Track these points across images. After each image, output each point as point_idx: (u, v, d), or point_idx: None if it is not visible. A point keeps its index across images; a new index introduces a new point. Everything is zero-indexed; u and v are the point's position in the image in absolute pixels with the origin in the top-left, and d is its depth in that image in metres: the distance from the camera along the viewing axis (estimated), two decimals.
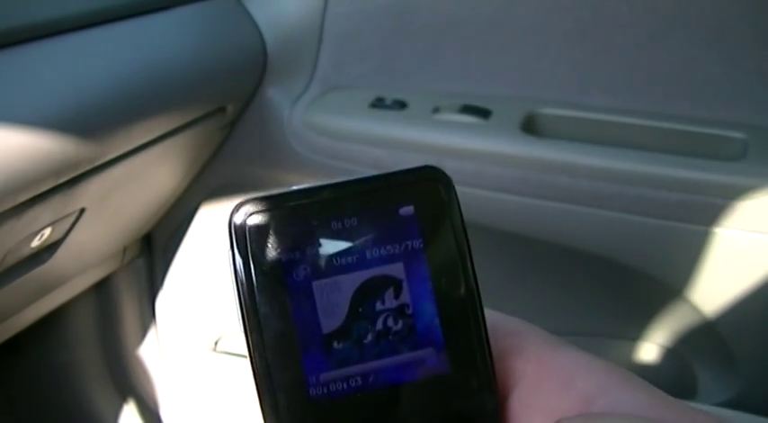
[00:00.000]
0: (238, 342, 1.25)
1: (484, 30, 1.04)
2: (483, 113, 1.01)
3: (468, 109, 1.02)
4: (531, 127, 1.00)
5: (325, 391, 0.26)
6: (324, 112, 1.06)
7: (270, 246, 0.26)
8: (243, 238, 0.26)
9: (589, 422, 0.24)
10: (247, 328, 0.26)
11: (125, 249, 1.18)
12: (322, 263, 0.26)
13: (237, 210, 0.26)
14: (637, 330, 1.05)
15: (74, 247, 0.92)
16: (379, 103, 1.05)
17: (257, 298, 0.26)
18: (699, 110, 0.98)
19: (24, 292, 0.92)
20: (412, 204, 0.27)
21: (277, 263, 0.26)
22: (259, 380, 0.26)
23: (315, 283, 0.26)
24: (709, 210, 0.91)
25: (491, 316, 0.28)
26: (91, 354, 1.27)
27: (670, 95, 0.99)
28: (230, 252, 0.26)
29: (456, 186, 0.27)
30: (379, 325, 0.26)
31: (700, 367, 1.02)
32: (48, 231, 0.83)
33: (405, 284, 0.27)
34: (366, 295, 0.26)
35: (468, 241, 0.27)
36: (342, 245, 0.26)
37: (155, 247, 1.25)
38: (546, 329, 0.28)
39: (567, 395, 0.25)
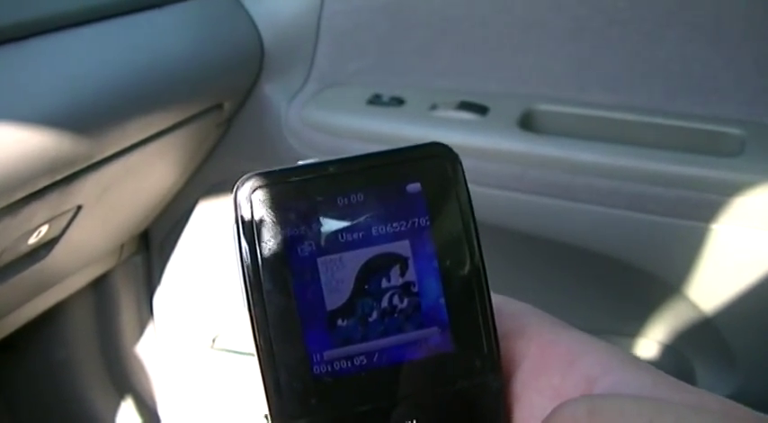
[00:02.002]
0: (236, 339, 1.25)
1: (481, 26, 1.04)
2: (480, 110, 1.01)
3: (465, 106, 1.01)
4: (528, 123, 1.00)
5: (329, 368, 0.26)
6: (321, 108, 1.06)
7: (274, 221, 0.26)
8: (248, 213, 0.26)
9: (594, 402, 0.23)
10: (251, 303, 0.26)
11: (122, 247, 1.18)
12: (327, 239, 0.26)
13: (243, 184, 0.26)
14: (635, 327, 1.05)
15: (71, 245, 0.92)
16: (376, 100, 1.05)
17: (261, 273, 0.25)
18: (697, 106, 0.98)
19: (21, 289, 0.92)
20: (419, 181, 0.27)
21: (282, 238, 0.26)
22: (262, 356, 0.26)
23: (320, 260, 0.26)
24: (707, 206, 0.91)
25: (494, 298, 0.28)
26: (88, 351, 1.27)
27: (668, 92, 0.99)
28: (234, 226, 0.26)
29: None
30: (385, 303, 0.26)
31: (698, 364, 1.02)
32: (44, 229, 0.83)
33: (410, 262, 0.26)
34: (371, 272, 0.26)
35: (474, 219, 0.27)
36: (347, 221, 0.26)
37: (152, 245, 1.25)
38: None
39: (570, 375, 0.25)
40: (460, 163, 0.27)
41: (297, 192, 0.26)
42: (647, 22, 0.99)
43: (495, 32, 1.03)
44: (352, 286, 0.26)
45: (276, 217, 0.26)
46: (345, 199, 0.26)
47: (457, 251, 0.27)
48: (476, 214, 0.27)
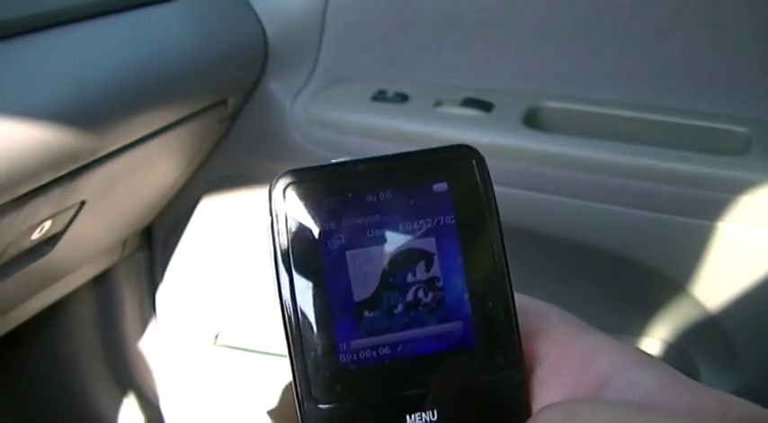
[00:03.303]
0: (239, 335, 1.25)
1: (486, 22, 1.04)
2: (485, 107, 1.00)
3: (470, 102, 1.01)
4: (533, 120, 1.00)
5: (354, 357, 0.27)
6: (325, 104, 1.06)
7: (307, 215, 0.27)
8: (281, 207, 0.27)
9: (571, 407, 0.25)
10: (282, 293, 0.27)
11: (125, 242, 1.18)
12: (356, 234, 0.27)
13: (278, 180, 0.27)
14: (639, 325, 1.05)
15: (74, 240, 0.92)
16: (380, 96, 1.04)
17: (292, 264, 0.27)
18: (702, 104, 0.97)
19: (25, 284, 0.92)
20: (446, 181, 0.28)
21: (313, 231, 0.27)
22: (290, 344, 0.27)
23: (348, 253, 0.27)
24: (713, 204, 0.90)
25: (519, 298, 0.28)
26: (91, 347, 1.27)
27: (673, 89, 0.99)
28: (269, 220, 0.27)
29: None
30: (410, 296, 0.27)
31: (702, 362, 1.02)
32: (48, 224, 0.83)
33: (436, 258, 0.27)
34: (398, 267, 0.27)
35: (499, 219, 0.28)
36: (376, 217, 0.27)
37: (155, 240, 1.25)
38: None
39: (585, 375, 0.26)
40: (486, 164, 0.28)
41: (328, 188, 0.27)
42: (654, 20, 0.98)
43: (501, 29, 1.03)
44: (378, 279, 0.27)
45: (308, 211, 0.27)
46: (374, 196, 0.27)
47: (481, 249, 0.28)
48: None
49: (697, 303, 0.96)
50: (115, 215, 1.05)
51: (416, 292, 0.27)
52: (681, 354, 1.03)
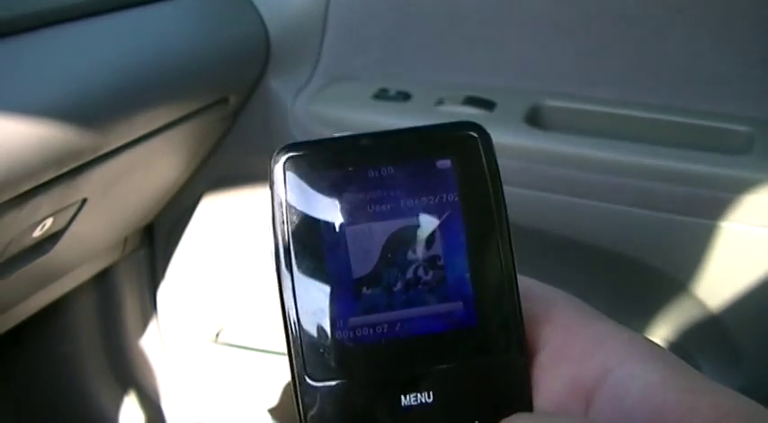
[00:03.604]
0: (239, 333, 1.25)
1: (488, 21, 1.03)
2: (487, 105, 1.00)
3: (472, 101, 1.01)
4: (535, 119, 1.00)
5: (351, 335, 0.26)
6: (327, 103, 1.06)
7: (307, 188, 0.26)
8: (281, 180, 0.26)
9: (534, 421, 0.24)
10: (279, 267, 0.26)
11: (126, 240, 1.18)
12: (357, 209, 0.26)
13: (279, 153, 0.27)
14: (640, 324, 1.05)
15: (75, 238, 0.92)
16: (382, 95, 1.04)
17: (291, 239, 0.26)
18: (704, 103, 0.97)
19: (26, 282, 0.92)
20: (449, 158, 0.27)
21: (312, 206, 0.26)
22: (287, 320, 0.26)
23: (348, 229, 0.26)
24: (715, 203, 0.90)
25: (528, 282, 0.28)
26: (92, 345, 1.27)
27: (675, 88, 0.99)
28: (270, 193, 0.26)
29: None
30: (410, 274, 0.26)
31: (703, 361, 1.02)
32: (49, 221, 0.83)
33: (437, 236, 0.27)
34: (398, 244, 0.26)
35: (503, 197, 0.27)
36: (377, 193, 0.26)
37: (156, 238, 1.25)
38: None
39: (587, 365, 0.26)
40: (491, 142, 0.27)
41: (329, 162, 0.27)
42: (655, 19, 0.98)
43: (503, 27, 1.03)
44: (378, 256, 0.26)
45: (308, 185, 0.26)
46: (376, 171, 0.27)
47: (484, 228, 0.27)
48: None
49: (699, 302, 0.96)
50: (116, 213, 1.05)
51: (417, 270, 0.26)
52: (682, 353, 1.03)
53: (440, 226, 0.26)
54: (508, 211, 0.27)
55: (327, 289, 0.26)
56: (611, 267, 1.01)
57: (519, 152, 0.96)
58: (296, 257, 0.26)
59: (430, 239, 0.26)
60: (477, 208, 0.27)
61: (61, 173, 0.77)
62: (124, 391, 1.29)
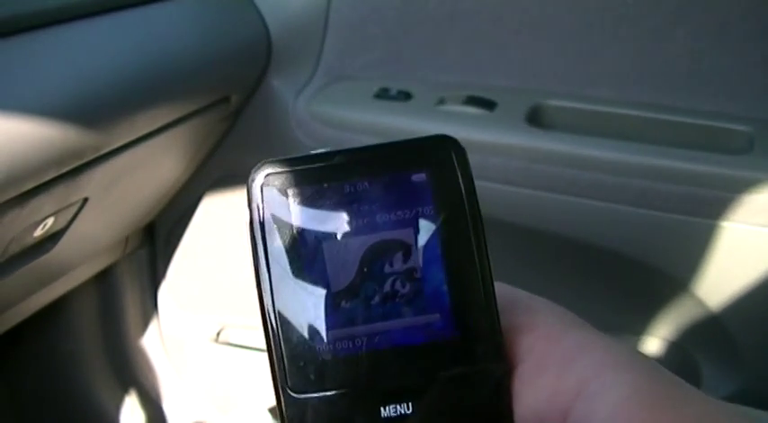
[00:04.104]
0: (240, 333, 1.25)
1: (489, 20, 1.04)
2: (488, 105, 1.00)
3: (473, 100, 1.01)
4: (536, 119, 1.00)
5: (330, 348, 0.26)
6: (328, 102, 1.06)
7: (285, 205, 0.27)
8: (260, 197, 0.27)
9: None
10: (260, 283, 0.27)
11: (127, 239, 1.18)
12: (333, 224, 0.27)
13: (257, 170, 0.27)
14: (641, 324, 1.05)
15: (76, 237, 0.92)
16: (383, 94, 1.04)
17: (270, 254, 0.27)
18: (705, 103, 0.97)
19: (27, 281, 0.92)
20: (425, 171, 0.27)
21: (290, 222, 0.27)
22: (268, 334, 0.27)
23: (326, 243, 0.27)
24: (715, 203, 0.90)
25: (513, 292, 0.28)
26: (93, 344, 1.27)
27: (676, 88, 0.99)
28: (248, 210, 0.27)
29: None
30: (387, 287, 0.27)
31: (704, 361, 1.02)
32: (51, 221, 0.83)
33: (414, 249, 0.27)
34: (375, 257, 0.27)
35: (479, 209, 0.27)
36: (353, 207, 0.27)
37: (157, 238, 1.25)
38: None
39: (566, 376, 0.25)
40: (466, 155, 0.27)
41: (307, 178, 0.27)
42: (656, 19, 0.98)
43: (504, 27, 1.03)
44: (356, 270, 0.27)
45: (286, 202, 0.27)
46: (352, 187, 0.27)
47: (461, 240, 0.27)
48: (482, 209, 0.28)
49: (699, 302, 0.96)
50: (117, 212, 1.05)
51: (394, 282, 0.27)
52: (683, 352, 1.03)
53: (416, 239, 0.27)
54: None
55: (307, 303, 0.27)
56: (611, 267, 1.01)
57: (520, 151, 0.96)
58: (275, 273, 0.27)
59: (407, 252, 0.27)
60: (454, 220, 0.27)
61: (62, 172, 0.77)
62: (125, 391, 1.30)
